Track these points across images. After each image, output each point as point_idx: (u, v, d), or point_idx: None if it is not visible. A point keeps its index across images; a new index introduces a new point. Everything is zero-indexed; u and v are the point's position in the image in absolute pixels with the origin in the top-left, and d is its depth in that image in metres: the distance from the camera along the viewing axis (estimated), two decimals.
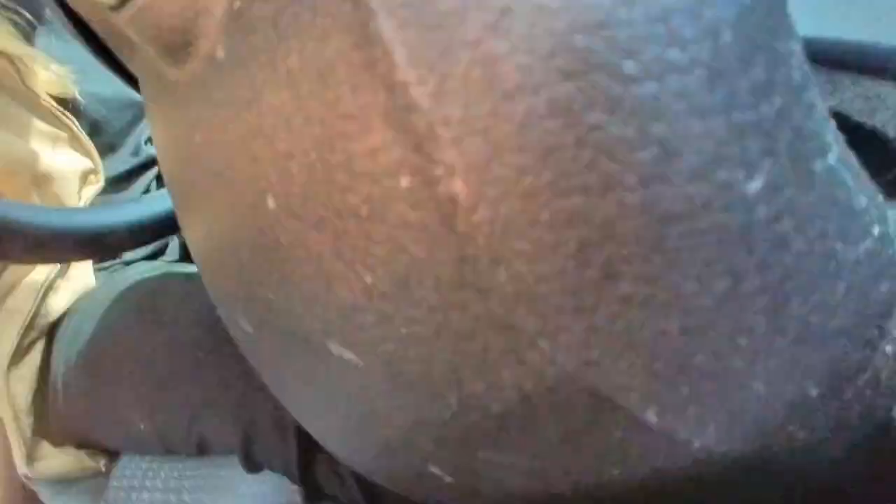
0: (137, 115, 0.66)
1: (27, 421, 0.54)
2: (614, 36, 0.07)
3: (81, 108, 0.60)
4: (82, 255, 0.44)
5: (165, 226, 0.46)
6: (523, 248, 0.08)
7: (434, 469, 0.14)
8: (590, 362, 0.09)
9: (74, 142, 0.58)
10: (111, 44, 0.21)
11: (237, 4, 0.11)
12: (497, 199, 0.08)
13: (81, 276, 0.59)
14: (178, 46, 0.13)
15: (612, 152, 0.07)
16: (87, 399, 0.52)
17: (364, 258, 0.10)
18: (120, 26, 0.14)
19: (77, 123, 0.58)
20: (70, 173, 0.58)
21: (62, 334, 0.55)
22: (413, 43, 0.07)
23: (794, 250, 0.08)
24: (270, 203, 0.11)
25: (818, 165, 0.08)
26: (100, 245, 0.42)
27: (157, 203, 0.46)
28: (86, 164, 0.59)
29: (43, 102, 0.56)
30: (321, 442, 0.21)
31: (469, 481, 0.14)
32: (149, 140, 0.67)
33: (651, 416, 0.10)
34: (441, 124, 0.07)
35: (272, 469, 0.46)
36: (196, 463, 0.50)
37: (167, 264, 0.66)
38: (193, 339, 0.49)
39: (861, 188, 0.09)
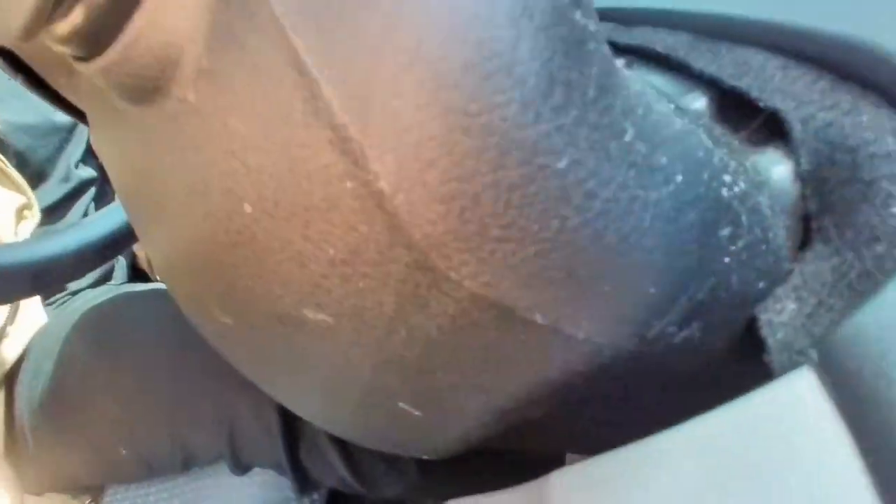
0: (64, 139, 0.64)
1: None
2: (466, 89, 0.12)
3: (3, 139, 0.58)
4: (31, 291, 0.43)
5: (109, 247, 0.46)
6: (427, 215, 0.13)
7: (403, 405, 0.17)
8: (486, 283, 0.14)
9: (2, 177, 0.56)
10: (41, 70, 0.22)
11: (204, 63, 0.14)
12: (407, 189, 0.12)
13: (31, 317, 0.58)
14: (144, 93, 0.15)
15: (470, 154, 0.12)
16: (59, 438, 0.52)
17: (327, 237, 0.14)
18: (81, 72, 0.15)
19: (2, 157, 0.56)
20: (2, 212, 0.55)
21: (21, 379, 0.54)
22: (345, 100, 0.12)
23: (603, 197, 0.13)
24: (247, 208, 0.15)
25: (613, 145, 0.13)
26: (47, 277, 0.42)
27: (97, 226, 0.46)
28: (18, 199, 0.57)
29: None
30: (303, 415, 0.23)
31: (433, 411, 0.17)
32: (78, 163, 0.66)
33: (539, 318, 0.14)
34: (368, 148, 0.12)
35: (261, 465, 0.48)
36: (182, 479, 0.51)
37: (115, 287, 0.65)
38: (159, 354, 0.50)
39: (662, 151, 0.14)
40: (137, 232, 0.24)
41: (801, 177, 0.18)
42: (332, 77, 0.12)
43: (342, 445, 0.46)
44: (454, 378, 0.16)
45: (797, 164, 0.18)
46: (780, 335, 0.15)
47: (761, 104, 0.18)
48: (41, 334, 0.57)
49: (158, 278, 0.70)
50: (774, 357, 0.15)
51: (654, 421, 0.17)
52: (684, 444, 0.15)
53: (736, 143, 0.19)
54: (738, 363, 0.18)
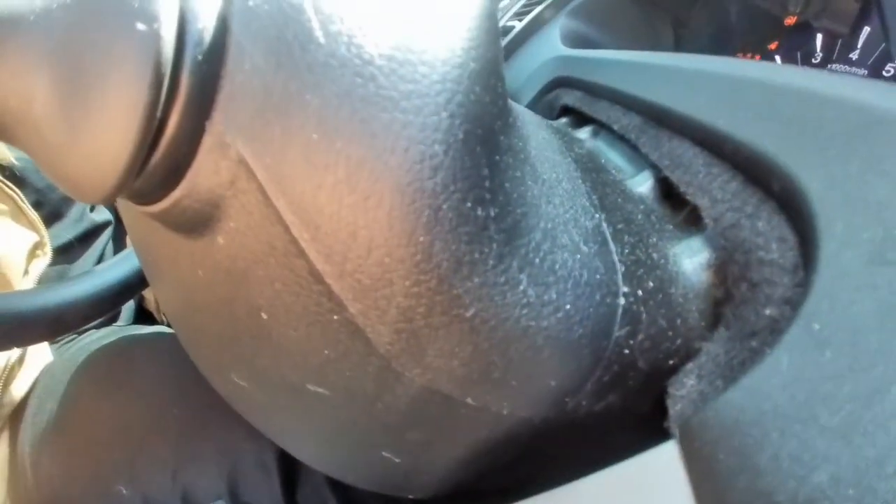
0: None
1: None
2: (408, 277, 0.16)
3: (20, 175, 0.61)
4: (48, 336, 0.46)
5: (122, 294, 0.50)
6: (388, 340, 0.18)
7: (386, 454, 0.22)
8: (430, 380, 0.19)
9: (18, 214, 0.59)
10: None
11: (232, 224, 0.18)
12: (373, 326, 0.17)
13: (39, 357, 0.61)
14: (186, 231, 0.19)
15: (409, 310, 0.17)
16: (60, 475, 0.54)
17: (324, 345, 0.19)
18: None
19: (21, 194, 0.59)
20: (15, 250, 0.58)
21: (25, 416, 0.58)
22: (323, 265, 0.17)
23: (502, 329, 0.18)
24: (264, 315, 0.19)
25: (509, 295, 0.17)
26: (64, 322, 0.45)
27: (111, 272, 0.50)
28: (31, 237, 0.60)
29: None
30: (304, 459, 0.28)
31: (409, 459, 0.22)
32: (92, 207, 0.71)
33: (471, 401, 0.19)
34: (345, 300, 0.17)
35: None
36: None
37: (120, 329, 0.69)
38: (163, 396, 0.53)
39: (554, 289, 0.18)
40: (152, 285, 0.28)
41: (713, 268, 0.20)
42: (313, 246, 0.17)
43: (339, 487, 0.49)
44: (422, 436, 0.21)
45: (710, 255, 0.21)
46: (678, 406, 0.18)
47: (688, 198, 0.22)
48: (46, 373, 0.60)
49: (167, 322, 0.74)
50: (672, 426, 0.18)
51: (593, 463, 0.20)
52: (591, 492, 0.19)
53: (670, 227, 0.23)
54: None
